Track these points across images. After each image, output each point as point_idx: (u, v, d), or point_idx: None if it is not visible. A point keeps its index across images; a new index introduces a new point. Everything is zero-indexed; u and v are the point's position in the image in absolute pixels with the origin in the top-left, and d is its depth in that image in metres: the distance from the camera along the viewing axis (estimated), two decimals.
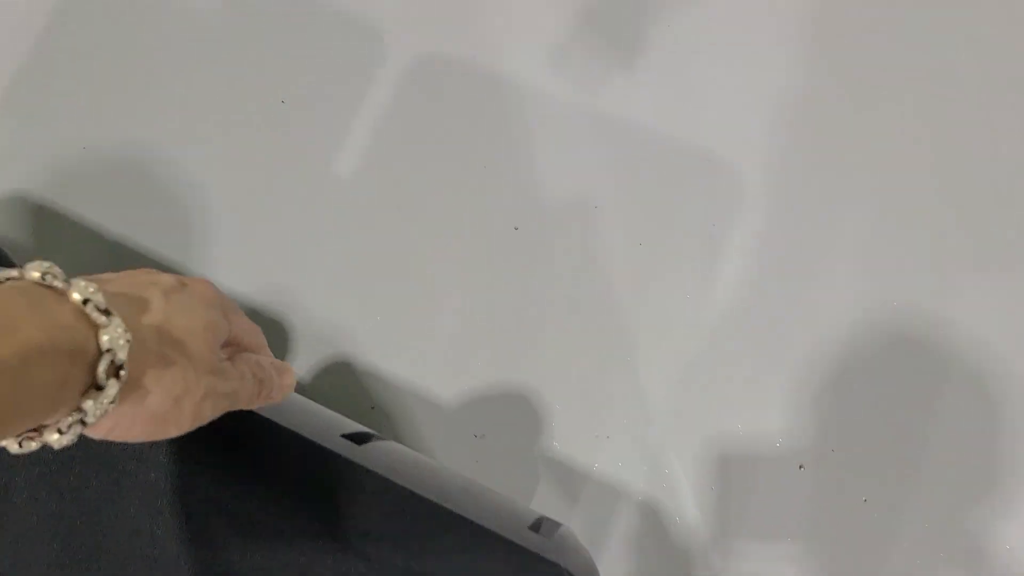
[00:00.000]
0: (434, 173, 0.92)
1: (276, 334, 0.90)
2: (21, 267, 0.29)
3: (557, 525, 0.55)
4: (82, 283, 0.29)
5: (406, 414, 0.87)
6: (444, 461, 0.85)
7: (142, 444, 0.45)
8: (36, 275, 0.29)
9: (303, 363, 0.89)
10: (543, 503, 0.83)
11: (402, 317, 0.89)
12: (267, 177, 0.94)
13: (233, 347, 0.40)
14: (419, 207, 0.92)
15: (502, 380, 0.87)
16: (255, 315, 0.91)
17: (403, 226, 0.91)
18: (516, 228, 0.90)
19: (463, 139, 0.92)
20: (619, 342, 0.86)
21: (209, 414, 0.34)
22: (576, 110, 0.92)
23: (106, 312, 0.29)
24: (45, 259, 0.29)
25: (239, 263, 0.92)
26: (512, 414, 0.86)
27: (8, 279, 0.29)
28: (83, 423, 0.29)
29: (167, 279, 0.36)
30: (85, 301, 0.29)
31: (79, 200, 0.94)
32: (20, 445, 0.28)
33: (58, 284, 0.29)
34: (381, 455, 0.51)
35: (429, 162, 0.92)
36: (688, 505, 0.82)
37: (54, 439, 0.28)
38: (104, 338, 0.28)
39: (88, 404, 0.28)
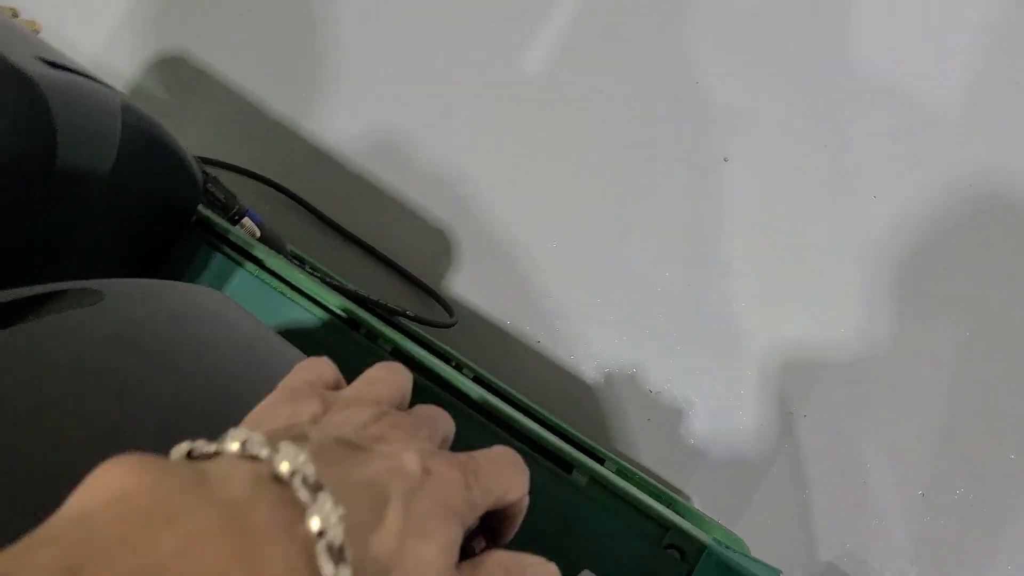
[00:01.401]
0: (636, 85, 0.90)
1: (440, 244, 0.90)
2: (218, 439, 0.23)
3: None
4: (292, 449, 0.23)
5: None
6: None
7: None
8: (235, 447, 0.23)
9: (468, 276, 0.89)
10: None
11: (586, 244, 0.88)
12: (451, 70, 0.93)
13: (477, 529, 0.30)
14: (615, 122, 0.90)
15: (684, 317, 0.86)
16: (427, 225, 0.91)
17: (595, 145, 0.90)
18: (726, 159, 0.88)
19: (673, 48, 0.90)
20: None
21: None
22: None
23: (316, 487, 0.22)
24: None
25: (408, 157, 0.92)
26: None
27: (206, 456, 0.23)
28: None
29: (412, 463, 0.26)
30: (292, 473, 0.22)
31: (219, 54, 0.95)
32: None
33: (263, 453, 0.23)
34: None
35: (631, 71, 0.90)
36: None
37: None
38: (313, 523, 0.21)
39: None
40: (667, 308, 0.87)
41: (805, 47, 0.89)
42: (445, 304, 0.89)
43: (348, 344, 0.55)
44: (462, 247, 0.91)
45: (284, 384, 0.30)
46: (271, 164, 0.92)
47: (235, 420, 0.29)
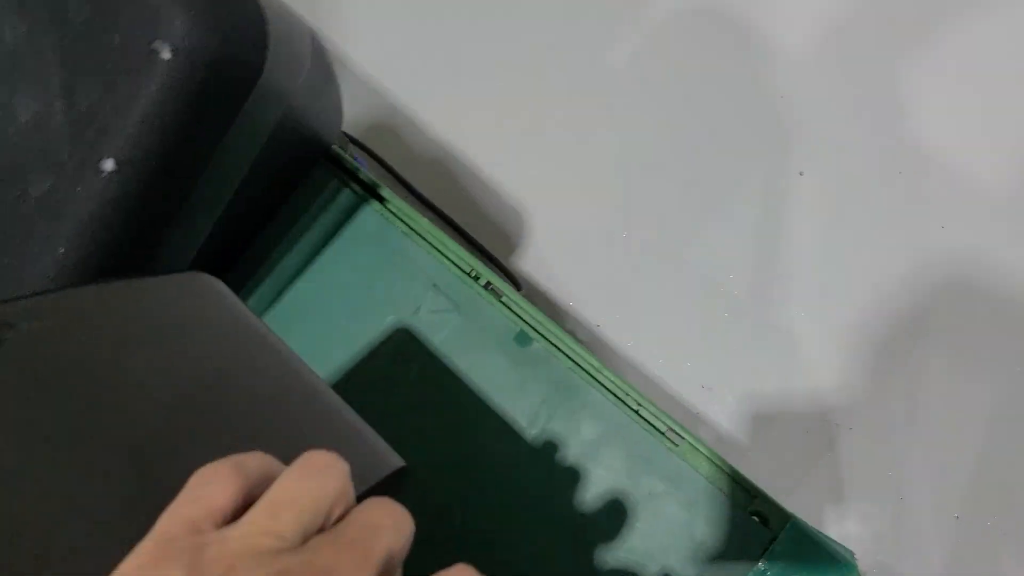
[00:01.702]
0: (720, 90, 0.92)
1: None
2: None
3: None
4: None
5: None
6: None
7: None
8: None
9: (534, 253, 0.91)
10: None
11: (655, 238, 0.91)
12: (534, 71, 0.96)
13: None
14: (698, 125, 0.92)
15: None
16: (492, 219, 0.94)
17: (675, 146, 0.92)
18: (801, 173, 0.91)
19: (754, 61, 0.93)
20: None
21: None
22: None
23: None
24: None
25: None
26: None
27: None
28: None
29: None
30: None
31: None
32: None
33: None
34: None
35: (717, 77, 0.92)
36: None
37: None
38: None
39: None
40: (728, 309, 0.90)
41: (890, 70, 0.92)
42: (512, 276, 0.92)
43: (468, 294, 0.58)
44: (532, 224, 0.94)
45: (158, 529, 0.24)
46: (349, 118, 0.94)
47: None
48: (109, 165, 0.40)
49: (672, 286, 0.91)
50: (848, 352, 0.87)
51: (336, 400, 0.40)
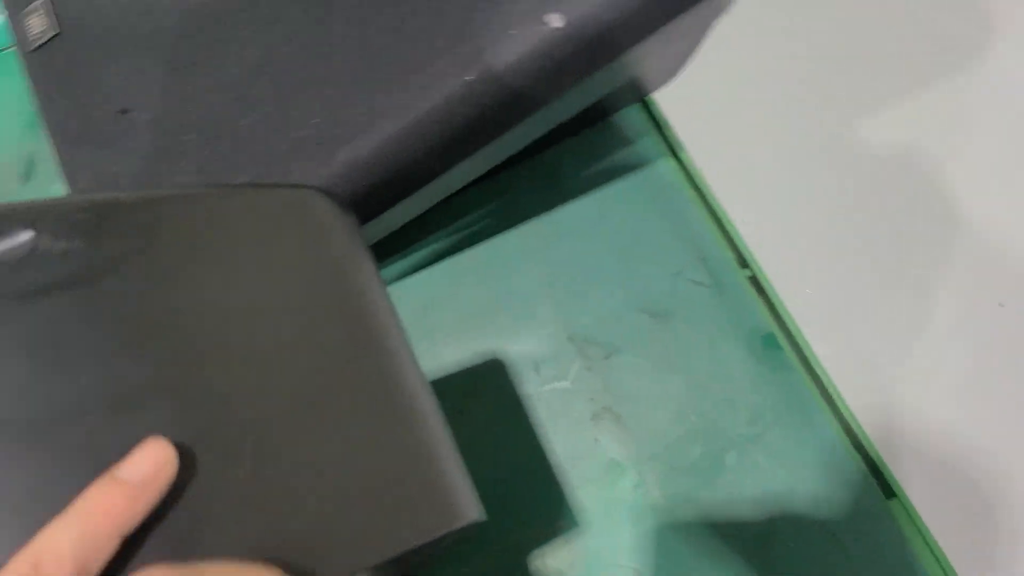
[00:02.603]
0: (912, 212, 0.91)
1: None
2: None
3: None
4: None
5: None
6: None
7: None
8: None
9: None
10: None
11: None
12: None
13: None
14: (895, 250, 0.92)
15: None
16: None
17: (881, 260, 0.92)
18: (1001, 304, 0.89)
19: (960, 182, 0.91)
20: None
21: None
22: None
23: None
24: None
25: None
26: None
27: None
28: None
29: None
30: None
31: None
32: None
33: None
34: None
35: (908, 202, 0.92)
36: None
37: None
38: None
39: None
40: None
41: None
42: None
43: (731, 278, 0.59)
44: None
45: None
46: None
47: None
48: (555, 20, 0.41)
49: None
50: None
51: (432, 413, 0.34)
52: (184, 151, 0.46)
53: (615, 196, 0.62)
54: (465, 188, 0.62)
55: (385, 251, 0.61)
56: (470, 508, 0.32)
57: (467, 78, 0.44)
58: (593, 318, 0.59)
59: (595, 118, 0.63)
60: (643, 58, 0.51)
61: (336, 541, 0.28)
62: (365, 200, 0.48)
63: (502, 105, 0.46)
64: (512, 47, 0.43)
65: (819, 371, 0.56)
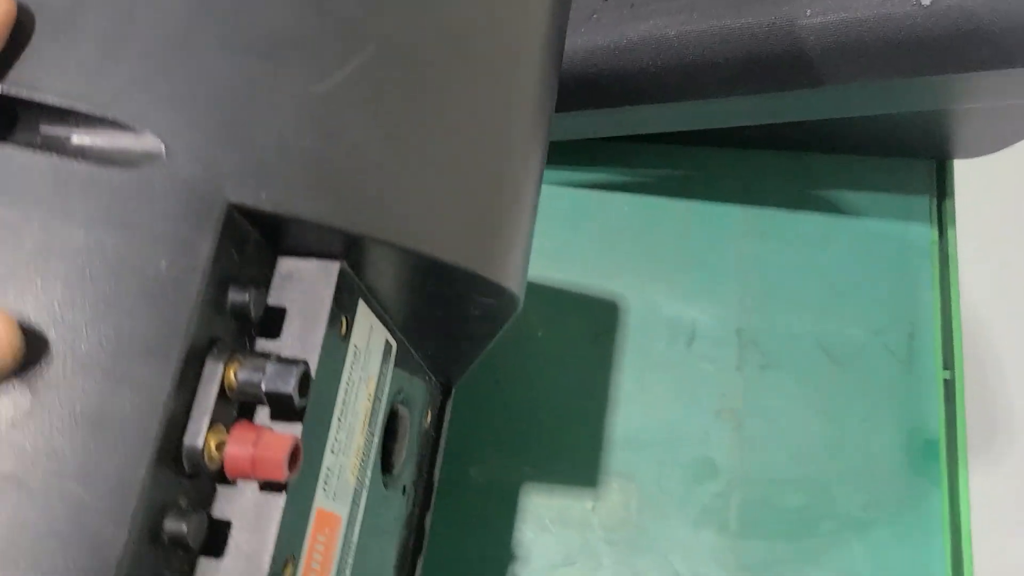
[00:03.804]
0: None
1: None
2: None
3: None
4: None
5: None
6: None
7: None
8: None
9: None
10: None
11: None
12: None
13: None
14: None
15: None
16: None
17: None
18: None
19: None
20: None
21: None
22: None
23: None
24: None
25: None
26: None
27: None
28: None
29: None
30: None
31: None
32: None
33: None
34: None
35: None
36: None
37: None
38: None
39: None
40: None
41: None
42: None
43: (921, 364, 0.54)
44: None
45: None
46: None
47: None
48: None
49: None
50: None
51: (534, 180, 0.30)
52: None
53: (851, 228, 0.58)
54: (706, 144, 0.60)
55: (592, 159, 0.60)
56: (516, 282, 0.29)
57: (807, 13, 0.42)
58: (771, 326, 0.55)
59: (876, 147, 0.59)
60: (975, 100, 0.47)
61: (385, 196, 0.24)
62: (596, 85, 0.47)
63: (797, 59, 0.43)
64: (870, 4, 0.41)
65: (961, 512, 0.51)
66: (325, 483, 0.25)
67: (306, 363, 0.22)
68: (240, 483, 0.23)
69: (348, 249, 0.24)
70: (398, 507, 0.35)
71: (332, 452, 0.26)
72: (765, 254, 0.57)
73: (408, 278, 0.27)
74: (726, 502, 0.51)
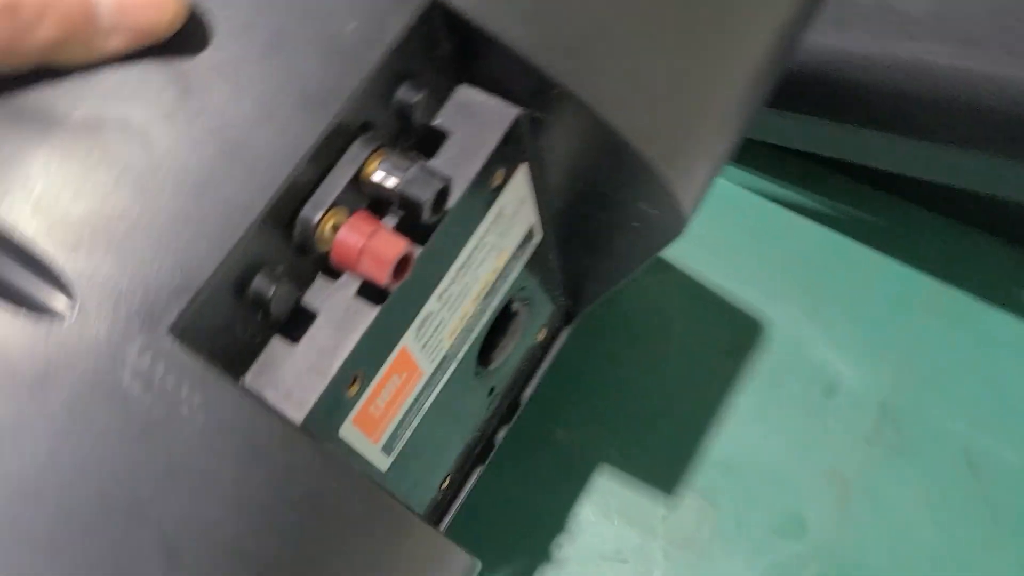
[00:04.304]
0: None
1: None
2: None
3: None
4: None
5: None
6: None
7: None
8: None
9: None
10: None
11: None
12: None
13: None
14: None
15: None
16: None
17: None
18: None
19: None
20: None
21: None
22: None
23: None
24: None
25: None
26: None
27: None
28: None
29: None
30: None
31: None
32: None
33: None
34: None
35: None
36: None
37: None
38: None
39: None
40: None
41: None
42: None
43: None
44: None
45: None
46: None
47: None
48: None
49: None
50: None
51: None
52: None
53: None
54: (909, 198, 0.55)
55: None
56: (689, 200, 0.25)
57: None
58: (919, 412, 0.50)
59: None
60: None
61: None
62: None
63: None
64: None
65: None
66: (420, 326, 0.24)
67: (451, 180, 0.21)
68: (340, 280, 0.22)
69: (533, 98, 0.23)
70: (480, 404, 0.33)
71: (439, 299, 0.24)
72: (942, 339, 0.52)
73: (581, 156, 0.25)
74: (802, 567, 0.46)
